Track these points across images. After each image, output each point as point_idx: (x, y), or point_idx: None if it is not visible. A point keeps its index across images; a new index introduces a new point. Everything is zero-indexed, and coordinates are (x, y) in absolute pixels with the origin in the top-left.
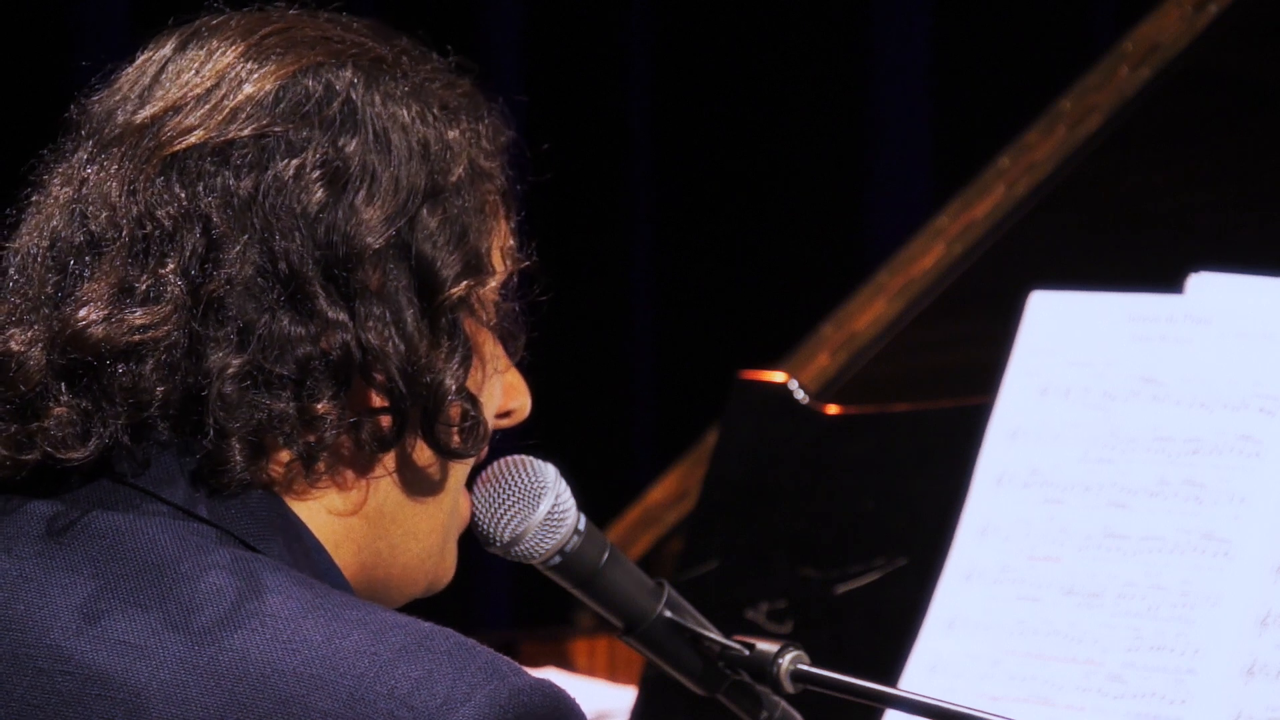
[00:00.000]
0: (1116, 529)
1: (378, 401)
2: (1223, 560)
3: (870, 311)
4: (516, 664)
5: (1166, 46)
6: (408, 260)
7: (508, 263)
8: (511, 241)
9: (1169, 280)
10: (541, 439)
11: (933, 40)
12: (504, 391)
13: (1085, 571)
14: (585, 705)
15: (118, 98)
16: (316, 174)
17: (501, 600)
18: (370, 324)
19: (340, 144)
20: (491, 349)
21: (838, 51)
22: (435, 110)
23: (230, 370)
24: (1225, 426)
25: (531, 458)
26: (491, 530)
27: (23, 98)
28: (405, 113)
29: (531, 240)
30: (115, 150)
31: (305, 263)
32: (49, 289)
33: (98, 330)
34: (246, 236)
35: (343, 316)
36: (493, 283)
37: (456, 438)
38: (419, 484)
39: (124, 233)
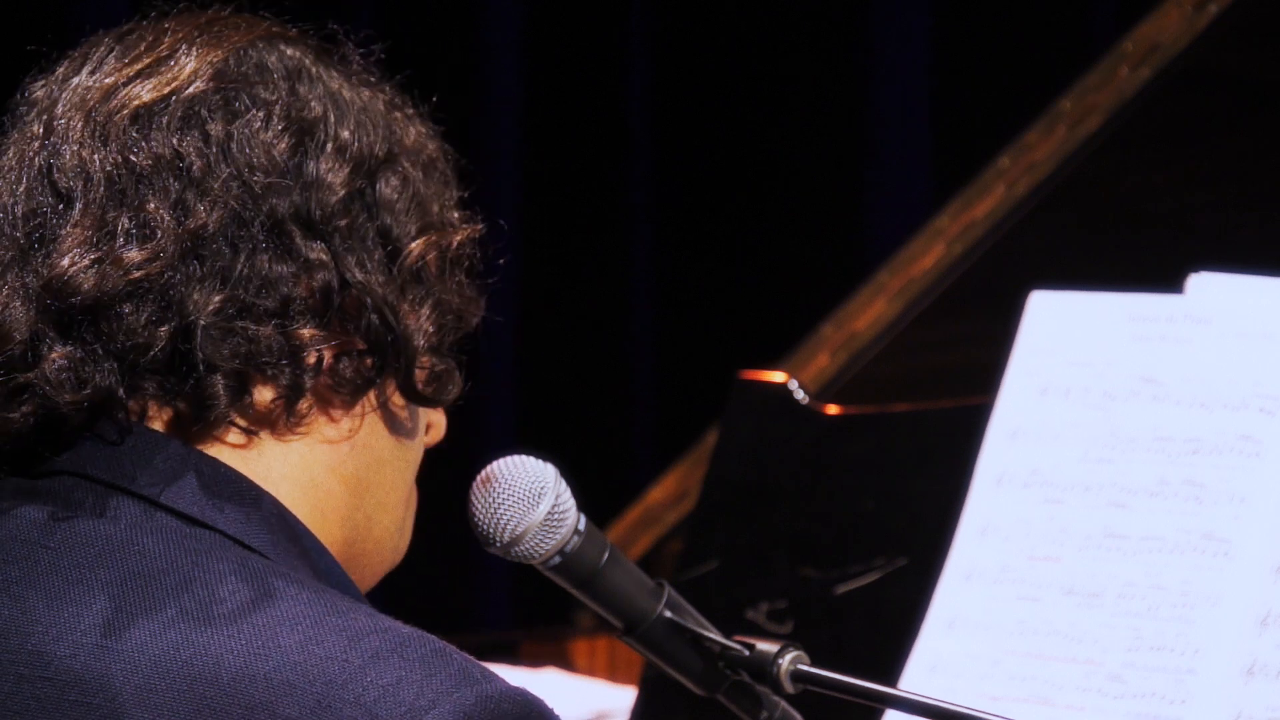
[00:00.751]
0: (1116, 529)
1: (357, 343)
2: (1223, 560)
3: (870, 311)
4: (490, 671)
5: (1166, 46)
6: (371, 213)
7: (460, 229)
8: (458, 214)
9: (1169, 280)
10: (542, 439)
11: (933, 40)
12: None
13: (1085, 571)
14: (585, 705)
15: (70, 78)
16: (282, 125)
17: (502, 600)
18: (349, 262)
19: (302, 97)
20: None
21: (838, 51)
22: (382, 92)
23: (212, 307)
24: (1225, 426)
25: (531, 458)
26: (491, 530)
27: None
28: (356, 87)
29: (480, 221)
30: (77, 113)
31: (280, 204)
32: (19, 247)
33: (89, 276)
34: (227, 173)
35: (322, 256)
36: (457, 237)
37: (429, 385)
38: (393, 442)
39: (97, 181)
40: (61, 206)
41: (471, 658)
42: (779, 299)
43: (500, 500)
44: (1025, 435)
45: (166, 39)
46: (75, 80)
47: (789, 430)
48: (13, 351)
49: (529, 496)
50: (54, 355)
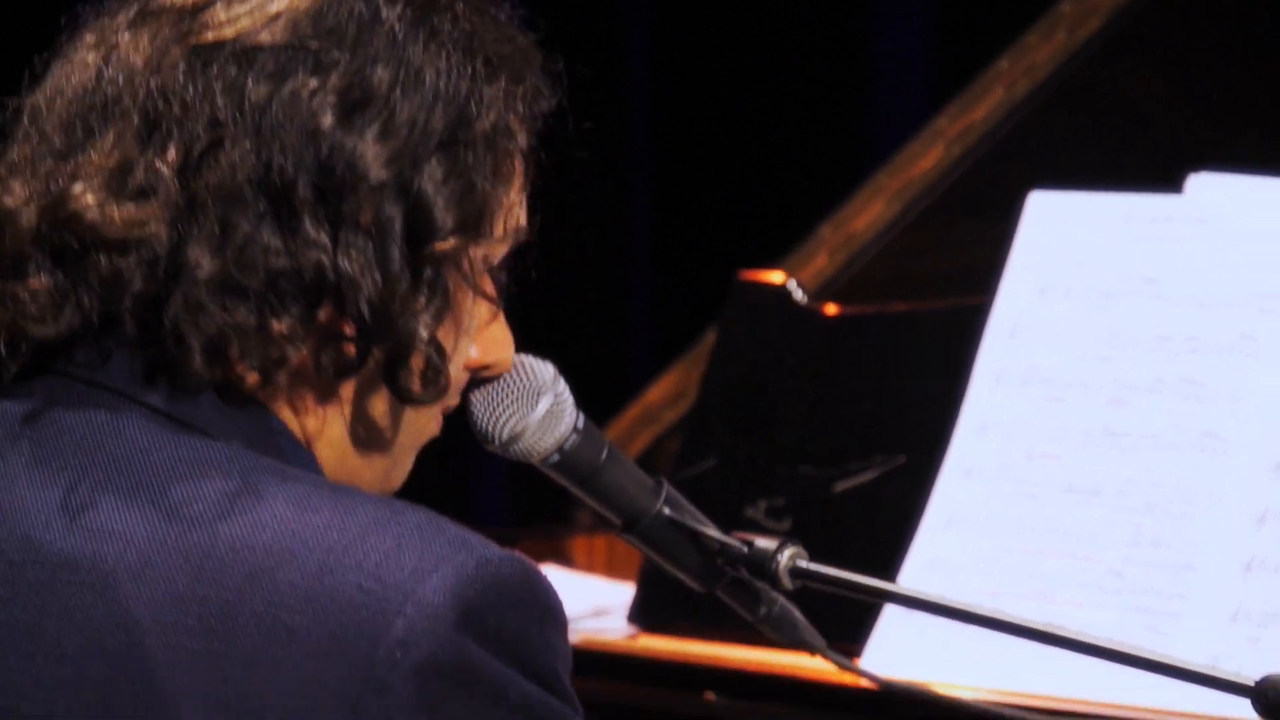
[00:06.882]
0: (1115, 427)
1: (346, 330)
2: (1221, 458)
3: (869, 213)
4: (485, 538)
5: None
6: (405, 202)
7: (509, 232)
8: (520, 212)
9: (1168, 181)
10: (540, 338)
11: None
12: (485, 344)
13: (1084, 469)
14: (584, 602)
15: None
16: (334, 98)
17: (499, 498)
18: (352, 253)
19: (368, 72)
20: (470, 308)
21: None
22: (478, 62)
23: (201, 273)
24: (1224, 325)
25: (530, 356)
26: (490, 429)
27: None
28: (445, 57)
29: (537, 215)
30: (152, 24)
31: (299, 180)
32: (56, 144)
33: (92, 214)
34: (248, 143)
35: (324, 239)
36: (488, 247)
37: (417, 384)
38: (373, 424)
39: (136, 106)
40: (95, 123)
41: (464, 526)
42: (778, 199)
43: (499, 399)
44: (1024, 333)
45: None
46: None
47: (788, 330)
48: (5, 257)
49: (527, 395)
50: (35, 283)
